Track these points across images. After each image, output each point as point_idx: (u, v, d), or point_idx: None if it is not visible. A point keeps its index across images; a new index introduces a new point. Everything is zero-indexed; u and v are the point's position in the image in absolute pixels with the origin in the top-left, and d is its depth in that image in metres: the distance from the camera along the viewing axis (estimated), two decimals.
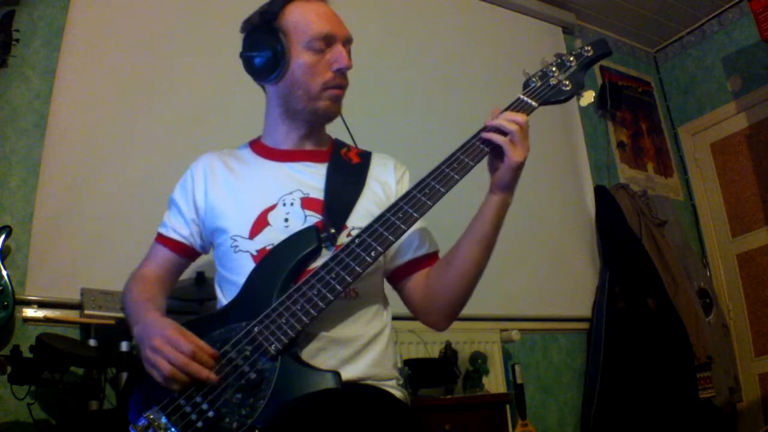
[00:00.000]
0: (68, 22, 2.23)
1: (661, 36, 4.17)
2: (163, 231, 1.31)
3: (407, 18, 3.12)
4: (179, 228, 1.29)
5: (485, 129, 1.15)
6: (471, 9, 3.39)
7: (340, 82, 1.25)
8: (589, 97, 1.26)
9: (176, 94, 2.37)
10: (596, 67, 3.87)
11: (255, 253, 1.17)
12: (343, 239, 1.15)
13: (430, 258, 1.28)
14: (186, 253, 1.31)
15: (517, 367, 2.74)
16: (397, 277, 1.29)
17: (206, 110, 2.39)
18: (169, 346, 1.00)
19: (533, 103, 1.20)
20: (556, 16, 3.71)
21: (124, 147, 2.21)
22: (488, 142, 1.14)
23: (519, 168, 1.12)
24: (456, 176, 1.12)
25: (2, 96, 2.09)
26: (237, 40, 1.32)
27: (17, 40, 2.08)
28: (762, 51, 3.61)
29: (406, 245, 1.27)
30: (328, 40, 1.23)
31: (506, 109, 1.18)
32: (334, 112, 1.29)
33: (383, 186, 1.30)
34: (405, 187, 1.30)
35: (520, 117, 1.14)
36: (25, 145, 2.08)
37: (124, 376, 1.82)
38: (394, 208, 1.11)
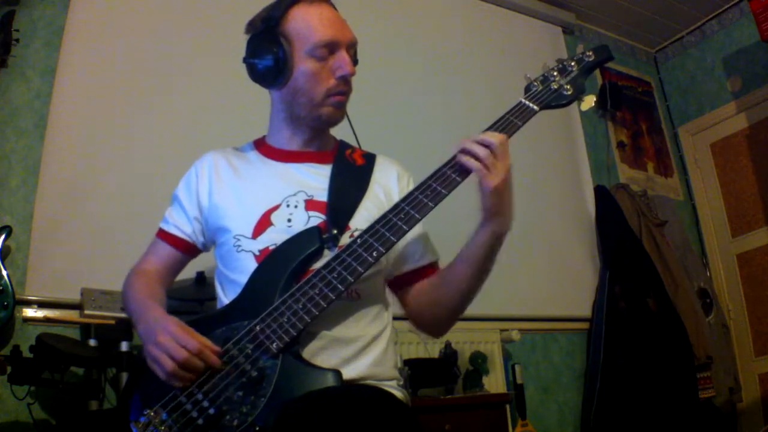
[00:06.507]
0: (68, 22, 2.23)
1: (661, 36, 4.18)
2: (164, 227, 1.30)
3: (407, 18, 3.12)
4: (182, 225, 1.29)
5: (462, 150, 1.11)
6: (471, 9, 3.39)
7: (343, 89, 1.24)
8: (589, 101, 1.27)
9: (176, 93, 2.37)
10: None
11: (258, 253, 1.17)
12: (345, 240, 1.15)
13: (429, 269, 1.28)
14: (188, 250, 1.30)
15: (517, 367, 2.74)
16: (396, 286, 1.30)
17: (207, 110, 2.39)
18: (172, 341, 1.00)
19: (534, 107, 1.21)
20: (556, 16, 3.71)
21: (124, 147, 2.21)
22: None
23: (497, 193, 1.08)
24: (458, 178, 1.12)
25: (2, 96, 2.09)
26: (237, 40, 1.31)
27: (17, 40, 2.08)
28: (762, 51, 3.62)
29: (406, 255, 1.27)
30: (331, 47, 1.22)
31: (506, 114, 1.18)
32: (337, 118, 1.28)
33: (386, 190, 1.30)
34: None
35: (493, 138, 1.08)
36: (25, 145, 2.08)
37: (124, 376, 1.83)
38: (396, 209, 1.11)
